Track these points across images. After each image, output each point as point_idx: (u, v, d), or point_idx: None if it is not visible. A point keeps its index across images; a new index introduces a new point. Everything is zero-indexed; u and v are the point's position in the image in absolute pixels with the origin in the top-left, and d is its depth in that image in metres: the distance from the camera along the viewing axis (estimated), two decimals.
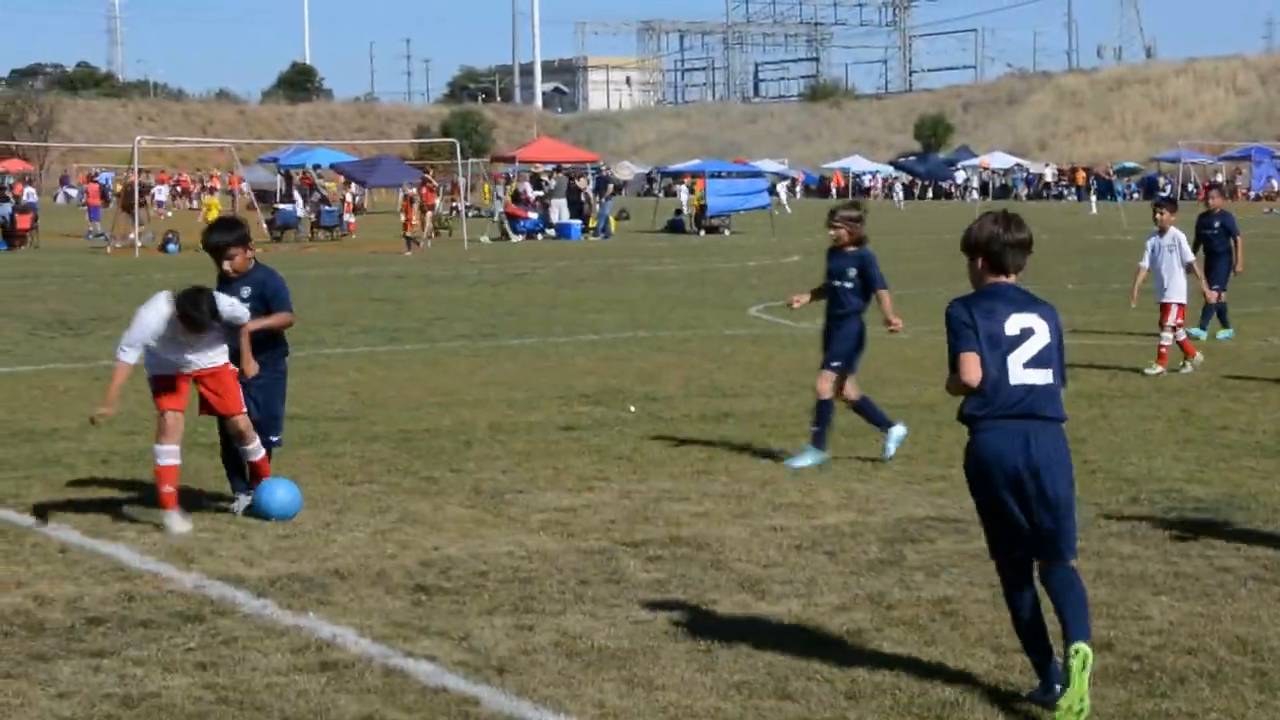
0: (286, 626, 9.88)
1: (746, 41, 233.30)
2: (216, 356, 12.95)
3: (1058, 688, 8.22)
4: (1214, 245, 26.73)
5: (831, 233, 15.65)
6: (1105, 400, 19.38)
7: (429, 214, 66.30)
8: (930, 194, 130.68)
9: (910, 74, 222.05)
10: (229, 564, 11.47)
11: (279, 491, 12.92)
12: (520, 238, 65.24)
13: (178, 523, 12.47)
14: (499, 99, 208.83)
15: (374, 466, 15.27)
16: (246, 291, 13.28)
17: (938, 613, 9.93)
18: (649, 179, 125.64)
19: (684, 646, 9.42)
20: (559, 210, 69.09)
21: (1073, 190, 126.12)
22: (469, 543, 12.14)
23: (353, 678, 8.91)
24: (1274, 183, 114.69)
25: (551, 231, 67.12)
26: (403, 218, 59.63)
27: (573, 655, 9.27)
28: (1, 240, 58.86)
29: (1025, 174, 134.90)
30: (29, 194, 66.51)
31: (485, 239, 64.18)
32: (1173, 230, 22.21)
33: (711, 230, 71.01)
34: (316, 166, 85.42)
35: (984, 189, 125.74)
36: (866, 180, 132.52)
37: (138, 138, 69.17)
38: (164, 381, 12.86)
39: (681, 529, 12.56)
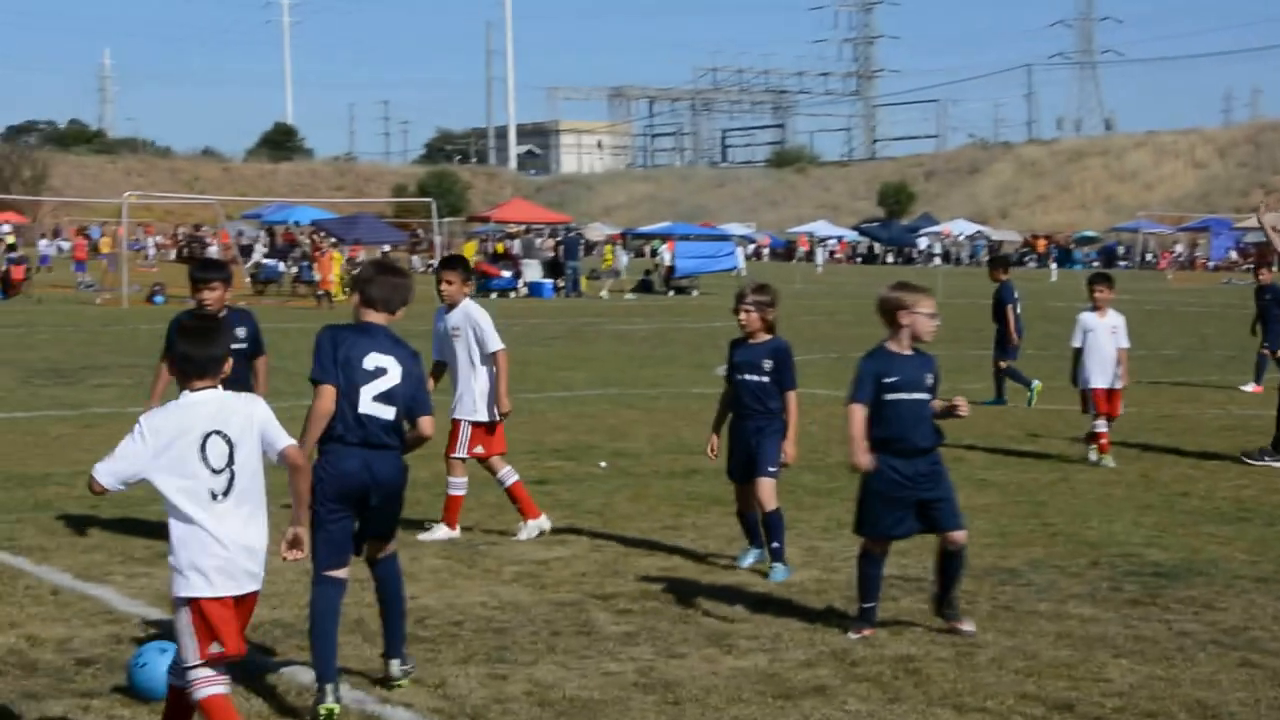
0: (267, 672, 10.02)
1: (714, 108, 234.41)
2: None
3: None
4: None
5: (741, 318, 13.35)
6: (1066, 465, 19.65)
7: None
8: (891, 259, 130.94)
9: (874, 142, 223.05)
10: None
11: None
12: (494, 295, 65.43)
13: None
14: (474, 160, 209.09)
15: None
16: (242, 333, 13.94)
17: (901, 670, 10.10)
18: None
19: (652, 699, 9.58)
20: (532, 269, 69.59)
21: (1034, 257, 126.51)
22: (444, 593, 12.30)
23: None
24: (1232, 253, 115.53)
25: (524, 289, 67.53)
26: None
27: (545, 705, 9.43)
28: (0, 291, 59.22)
29: (986, 241, 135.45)
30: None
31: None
32: (1113, 312, 20.20)
33: (680, 291, 71.36)
34: (297, 223, 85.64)
35: (946, 256, 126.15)
36: (833, 245, 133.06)
37: (126, 193, 69.15)
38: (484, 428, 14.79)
39: (650, 583, 12.73)
